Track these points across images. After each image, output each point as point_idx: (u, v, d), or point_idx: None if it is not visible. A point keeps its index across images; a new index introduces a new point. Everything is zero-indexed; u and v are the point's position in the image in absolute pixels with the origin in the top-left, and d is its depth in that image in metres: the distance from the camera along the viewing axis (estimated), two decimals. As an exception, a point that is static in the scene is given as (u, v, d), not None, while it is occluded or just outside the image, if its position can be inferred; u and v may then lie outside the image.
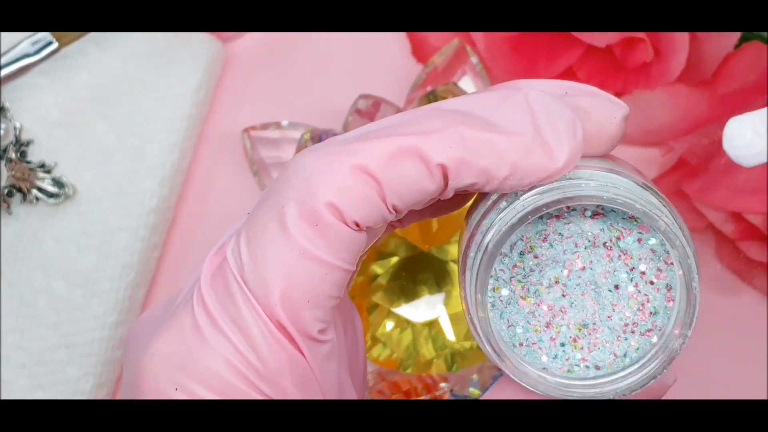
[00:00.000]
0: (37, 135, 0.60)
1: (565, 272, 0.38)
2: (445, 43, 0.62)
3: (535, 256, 0.39)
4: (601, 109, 0.40)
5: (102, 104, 0.60)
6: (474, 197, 0.42)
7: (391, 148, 0.38)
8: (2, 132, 0.60)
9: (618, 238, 0.38)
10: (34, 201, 0.59)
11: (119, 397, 0.45)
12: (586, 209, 0.39)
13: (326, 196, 0.38)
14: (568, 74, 0.61)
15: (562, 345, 0.38)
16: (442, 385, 0.57)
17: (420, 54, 0.64)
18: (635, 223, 0.38)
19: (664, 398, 0.40)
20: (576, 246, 0.39)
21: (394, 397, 0.56)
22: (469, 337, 0.57)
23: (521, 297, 0.39)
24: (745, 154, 0.38)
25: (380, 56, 0.64)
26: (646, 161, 0.62)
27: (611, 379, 0.38)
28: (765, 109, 0.38)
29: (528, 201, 0.37)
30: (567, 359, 0.39)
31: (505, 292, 0.39)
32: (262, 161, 0.61)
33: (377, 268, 0.58)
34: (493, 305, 0.39)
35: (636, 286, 0.38)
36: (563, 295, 0.38)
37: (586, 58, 0.61)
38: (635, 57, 0.60)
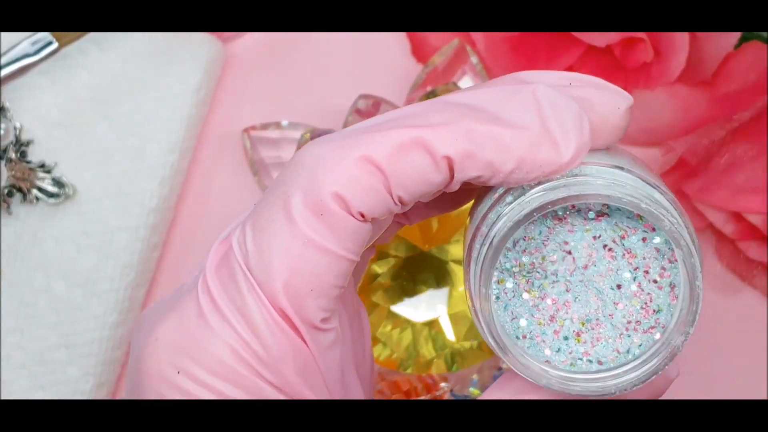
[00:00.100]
0: (37, 135, 0.60)
1: (570, 269, 0.39)
2: (445, 43, 0.62)
3: (540, 252, 0.39)
4: (605, 100, 0.40)
5: (102, 104, 0.60)
6: (478, 192, 0.42)
7: (398, 140, 0.38)
8: (2, 132, 0.60)
9: (623, 237, 0.38)
10: (34, 201, 0.59)
11: (123, 384, 0.45)
12: (590, 208, 0.39)
13: (332, 187, 0.38)
14: (568, 74, 0.61)
15: (566, 338, 0.38)
16: (442, 385, 0.57)
17: (420, 54, 0.64)
18: (640, 221, 0.38)
19: (665, 397, 0.40)
20: (580, 244, 0.39)
21: (394, 397, 0.56)
22: (469, 337, 0.57)
23: (525, 290, 0.39)
24: None
25: (380, 56, 0.64)
26: (646, 161, 0.62)
27: (613, 374, 0.38)
28: None
29: (534, 198, 0.38)
30: (570, 353, 0.39)
31: (509, 284, 0.39)
32: (262, 161, 0.61)
33: (377, 268, 0.58)
34: (497, 297, 0.39)
35: (639, 285, 0.38)
36: (567, 290, 0.38)
37: (586, 58, 0.61)
38: (635, 57, 0.60)
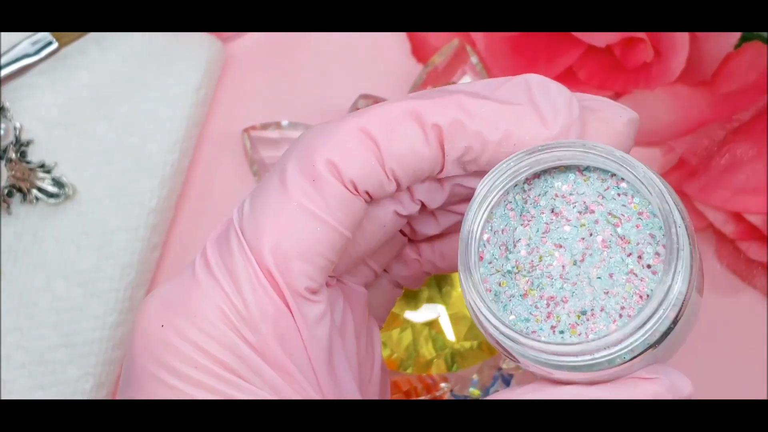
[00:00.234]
0: (37, 135, 0.60)
1: (566, 264, 0.39)
2: (445, 43, 0.62)
3: (537, 252, 0.39)
4: (607, 108, 0.41)
5: (102, 104, 0.60)
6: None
7: (393, 112, 0.39)
8: (2, 132, 0.60)
9: (616, 226, 0.38)
10: (34, 201, 0.59)
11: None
12: (585, 200, 0.39)
13: (326, 154, 0.39)
14: (568, 74, 0.61)
15: (561, 333, 0.38)
16: (442, 385, 0.57)
17: (420, 54, 0.64)
18: (635, 209, 0.39)
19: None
20: (576, 239, 0.39)
21: (394, 397, 0.56)
22: (469, 337, 0.57)
23: (524, 289, 0.39)
24: None
25: (380, 56, 0.64)
26: (646, 161, 0.62)
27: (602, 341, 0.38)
28: None
29: (499, 166, 0.39)
30: (560, 342, 0.39)
31: (508, 284, 0.39)
32: (262, 161, 0.61)
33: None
34: (496, 297, 0.39)
35: (632, 271, 0.38)
36: (564, 286, 0.38)
37: (586, 58, 0.61)
38: (635, 57, 0.60)
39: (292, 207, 0.39)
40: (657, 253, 0.38)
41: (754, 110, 0.60)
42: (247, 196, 0.41)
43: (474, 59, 0.61)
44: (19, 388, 0.58)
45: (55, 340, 0.58)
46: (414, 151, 0.39)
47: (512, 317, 0.39)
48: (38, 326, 0.59)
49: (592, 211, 0.39)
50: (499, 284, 0.39)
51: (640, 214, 0.39)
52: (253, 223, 0.40)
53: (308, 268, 0.39)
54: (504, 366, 0.57)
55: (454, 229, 0.45)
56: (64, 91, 0.61)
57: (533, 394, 0.39)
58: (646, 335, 0.37)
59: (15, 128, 0.60)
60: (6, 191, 0.59)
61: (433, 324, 0.58)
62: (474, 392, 0.57)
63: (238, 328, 0.39)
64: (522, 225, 0.39)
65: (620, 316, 0.38)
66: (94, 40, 0.61)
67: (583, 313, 0.38)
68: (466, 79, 0.61)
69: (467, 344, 0.57)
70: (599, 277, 0.38)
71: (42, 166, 0.60)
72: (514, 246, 0.39)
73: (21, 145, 0.60)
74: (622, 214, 0.39)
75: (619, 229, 0.39)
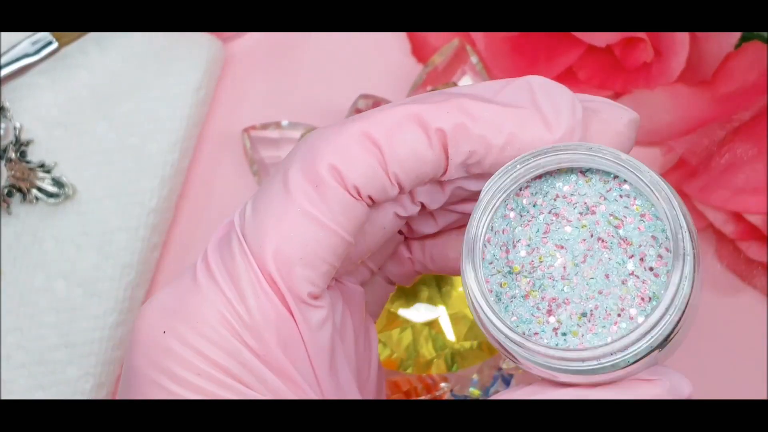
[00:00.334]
0: (37, 135, 0.60)
1: (568, 266, 0.39)
2: (445, 43, 0.62)
3: (538, 252, 0.39)
4: (608, 109, 0.41)
5: (102, 104, 0.60)
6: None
7: (396, 116, 0.39)
8: (2, 132, 0.60)
9: (617, 227, 0.38)
10: (34, 201, 0.59)
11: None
12: (587, 201, 0.39)
13: (329, 159, 0.39)
14: (568, 74, 0.61)
15: (564, 335, 0.38)
16: (442, 385, 0.57)
17: (420, 54, 0.64)
18: (637, 211, 0.38)
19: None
20: (577, 240, 0.39)
21: (394, 397, 0.56)
22: (469, 337, 0.57)
23: (526, 291, 0.39)
24: None
25: (380, 56, 0.64)
26: (647, 161, 0.62)
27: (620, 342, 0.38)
28: None
29: (505, 169, 0.39)
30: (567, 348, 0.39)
31: (509, 285, 0.39)
32: (262, 161, 0.61)
33: (377, 268, 0.58)
34: (498, 298, 0.39)
35: (633, 273, 0.38)
36: (565, 288, 0.38)
37: (586, 58, 0.61)
38: (635, 57, 0.60)
39: (295, 212, 0.39)
40: (659, 256, 0.38)
41: (754, 110, 0.60)
42: (249, 199, 0.40)
43: (474, 59, 0.61)
44: (19, 388, 0.58)
45: (55, 340, 0.58)
46: (417, 155, 0.39)
47: (514, 318, 0.39)
48: (38, 326, 0.58)
49: (593, 212, 0.39)
50: (501, 285, 0.39)
51: (642, 216, 0.39)
52: (256, 227, 0.39)
53: (311, 274, 0.39)
54: (504, 366, 0.57)
55: (451, 227, 0.45)
56: (64, 91, 0.61)
57: (535, 396, 0.39)
58: (652, 340, 0.37)
59: (15, 128, 0.60)
60: (6, 191, 0.59)
61: (433, 324, 0.58)
62: (474, 392, 0.57)
63: (240, 333, 0.39)
64: (522, 225, 0.39)
65: (620, 316, 0.38)
66: (94, 40, 0.61)
67: (584, 315, 0.38)
68: (466, 78, 0.61)
69: (467, 344, 0.57)
70: (593, 278, 0.38)
71: (42, 166, 0.60)
72: (514, 246, 0.39)
73: (21, 145, 0.60)
74: (624, 216, 0.39)
75: (620, 231, 0.39)
